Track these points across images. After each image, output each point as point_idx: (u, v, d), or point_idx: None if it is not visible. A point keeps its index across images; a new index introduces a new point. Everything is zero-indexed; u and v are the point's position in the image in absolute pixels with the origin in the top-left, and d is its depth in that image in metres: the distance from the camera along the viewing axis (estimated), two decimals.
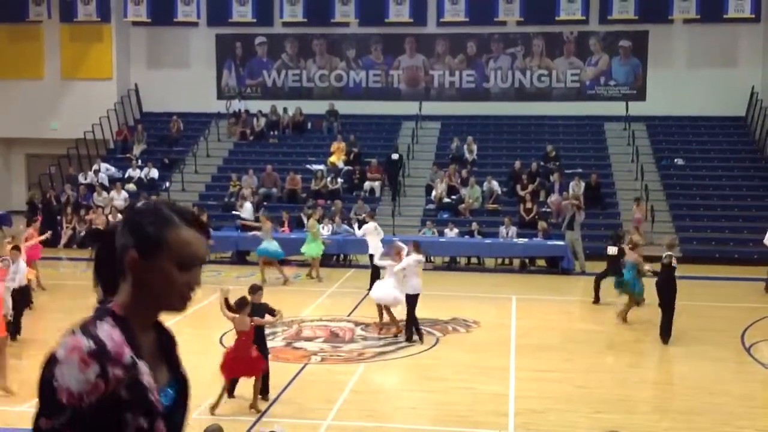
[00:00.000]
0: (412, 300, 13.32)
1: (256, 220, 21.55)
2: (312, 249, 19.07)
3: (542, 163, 25.17)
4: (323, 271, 19.19)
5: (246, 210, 22.66)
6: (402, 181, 25.26)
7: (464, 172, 24.86)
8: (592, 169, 24.73)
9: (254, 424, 9.43)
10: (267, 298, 10.69)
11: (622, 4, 26.69)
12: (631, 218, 23.10)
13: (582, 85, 28.26)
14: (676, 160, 25.98)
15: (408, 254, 13.67)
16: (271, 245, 18.65)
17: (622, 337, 14.22)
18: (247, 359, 9.83)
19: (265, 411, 9.91)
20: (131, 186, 25.57)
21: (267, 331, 14.00)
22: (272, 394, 10.55)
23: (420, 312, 15.60)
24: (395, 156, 25.77)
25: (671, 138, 27.03)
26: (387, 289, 13.79)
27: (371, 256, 17.91)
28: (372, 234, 18.16)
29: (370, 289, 15.36)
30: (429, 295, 17.57)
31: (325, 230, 20.61)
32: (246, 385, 10.08)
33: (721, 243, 22.57)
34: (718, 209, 23.92)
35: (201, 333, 14.00)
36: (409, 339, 13.33)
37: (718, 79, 26.94)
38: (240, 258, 21.32)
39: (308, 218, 20.34)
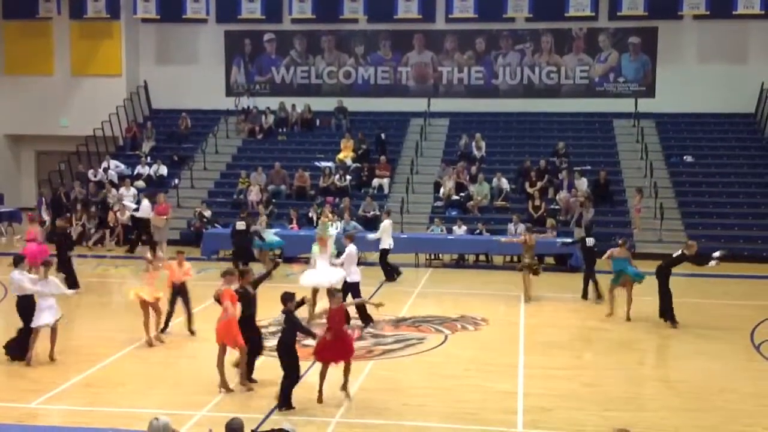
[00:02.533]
0: (353, 287, 14.05)
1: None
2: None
3: (551, 160, 25.13)
4: None
5: (128, 197, 23.25)
6: (411, 177, 25.26)
7: (473, 169, 24.83)
8: (601, 166, 24.68)
9: (263, 422, 9.46)
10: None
11: (631, 1, 26.57)
12: (640, 215, 23.08)
13: (591, 82, 28.19)
14: (685, 157, 25.88)
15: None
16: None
17: (631, 335, 14.18)
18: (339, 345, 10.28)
19: (274, 409, 9.94)
20: (140, 183, 25.64)
21: (276, 329, 14.05)
22: None
23: (429, 310, 15.71)
24: (383, 135, 26.61)
25: (680, 135, 26.94)
26: (319, 274, 14.41)
27: (384, 252, 18.04)
28: (387, 231, 18.44)
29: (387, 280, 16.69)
30: (437, 293, 17.69)
31: (333, 227, 20.53)
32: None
33: (730, 240, 22.44)
34: (728, 206, 23.84)
35: (211, 330, 14.02)
36: (367, 322, 14.08)
37: (728, 76, 26.83)
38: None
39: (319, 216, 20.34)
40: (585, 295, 16.74)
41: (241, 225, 19.04)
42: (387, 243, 18.49)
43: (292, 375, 9.97)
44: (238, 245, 19.00)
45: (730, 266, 20.72)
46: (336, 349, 10.24)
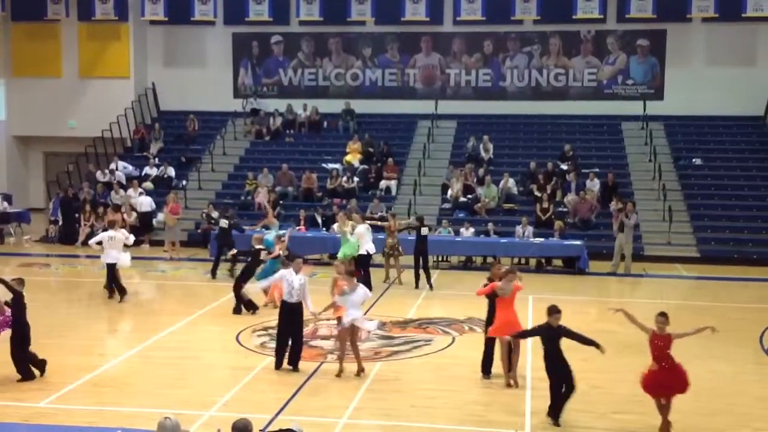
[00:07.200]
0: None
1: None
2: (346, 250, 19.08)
3: (558, 163, 25.08)
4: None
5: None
6: (418, 179, 25.25)
7: (480, 172, 24.81)
8: (609, 169, 24.62)
9: (270, 422, 9.44)
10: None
11: (640, 3, 26.51)
12: (648, 218, 23.06)
13: (599, 84, 28.14)
14: (694, 160, 25.82)
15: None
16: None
17: (640, 338, 14.05)
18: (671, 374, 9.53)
19: (281, 409, 9.93)
20: (148, 184, 25.70)
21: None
22: (288, 393, 10.58)
23: (436, 311, 15.71)
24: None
25: (689, 137, 26.86)
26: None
27: (366, 256, 17.77)
28: (365, 234, 18.19)
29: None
30: (445, 295, 17.66)
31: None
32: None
33: (739, 243, 22.42)
34: (737, 209, 23.75)
35: (219, 330, 14.09)
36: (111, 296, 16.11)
37: (737, 79, 26.76)
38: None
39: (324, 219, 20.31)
40: (430, 284, 17.88)
41: (223, 223, 19.14)
42: (365, 247, 17.87)
43: (569, 386, 9.63)
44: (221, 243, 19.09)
45: (740, 269, 20.69)
46: (669, 381, 9.50)
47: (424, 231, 18.41)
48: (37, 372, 11.04)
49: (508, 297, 11.01)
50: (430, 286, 17.96)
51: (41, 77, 29.18)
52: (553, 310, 9.84)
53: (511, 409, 10.17)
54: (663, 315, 9.64)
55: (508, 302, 11.02)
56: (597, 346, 9.86)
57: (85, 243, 23.52)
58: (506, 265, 14.23)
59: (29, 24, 29.29)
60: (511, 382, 11.06)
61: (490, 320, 11.38)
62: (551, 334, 9.78)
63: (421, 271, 18.08)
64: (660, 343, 9.52)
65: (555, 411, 9.65)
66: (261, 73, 29.75)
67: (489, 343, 11.46)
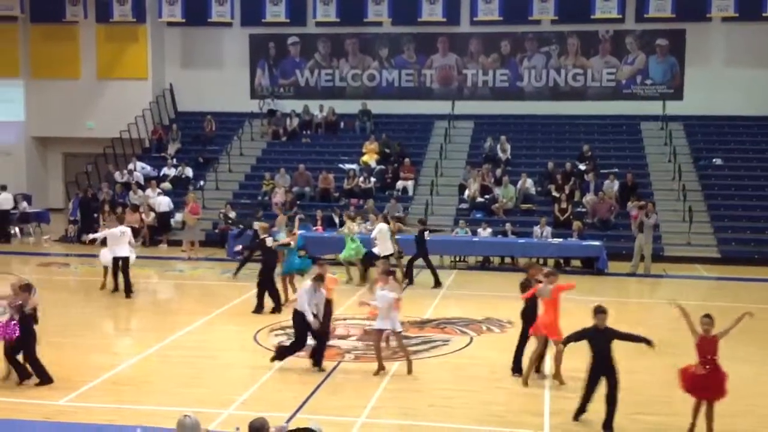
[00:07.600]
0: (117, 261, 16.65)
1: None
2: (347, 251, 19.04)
3: (577, 163, 24.93)
4: (353, 269, 19.08)
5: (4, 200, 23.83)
6: (435, 180, 25.18)
7: (498, 172, 24.71)
8: (628, 169, 24.44)
9: (288, 420, 9.42)
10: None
11: (659, 3, 26.33)
12: (668, 219, 22.88)
13: (618, 84, 27.96)
14: (714, 160, 25.58)
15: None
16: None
17: (662, 338, 13.94)
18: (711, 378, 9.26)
19: (299, 408, 9.90)
20: (166, 184, 25.80)
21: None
22: (306, 392, 10.56)
23: (454, 311, 15.64)
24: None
25: (709, 138, 26.63)
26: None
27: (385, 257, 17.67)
28: (384, 234, 18.13)
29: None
30: (462, 295, 17.61)
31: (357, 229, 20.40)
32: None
33: (760, 244, 22.20)
34: (758, 210, 23.53)
35: (237, 330, 14.09)
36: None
37: (757, 78, 26.52)
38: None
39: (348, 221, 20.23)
40: (411, 281, 18.29)
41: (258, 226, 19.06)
42: (383, 249, 18.01)
43: (616, 393, 9.39)
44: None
45: (760, 270, 20.47)
46: (707, 383, 9.26)
47: (427, 235, 18.70)
48: (15, 376, 10.88)
49: (549, 298, 10.97)
50: (409, 282, 18.22)
51: (60, 79, 29.38)
52: (598, 311, 9.52)
53: (530, 410, 10.09)
54: (708, 317, 9.37)
55: (548, 303, 10.99)
56: (648, 342, 9.68)
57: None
58: (529, 264, 14.11)
59: (48, 26, 29.48)
60: (529, 382, 11.04)
61: (531, 320, 11.35)
62: (598, 337, 9.49)
63: (412, 269, 18.64)
64: (707, 346, 9.28)
65: (608, 422, 9.41)
66: (278, 74, 29.80)
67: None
